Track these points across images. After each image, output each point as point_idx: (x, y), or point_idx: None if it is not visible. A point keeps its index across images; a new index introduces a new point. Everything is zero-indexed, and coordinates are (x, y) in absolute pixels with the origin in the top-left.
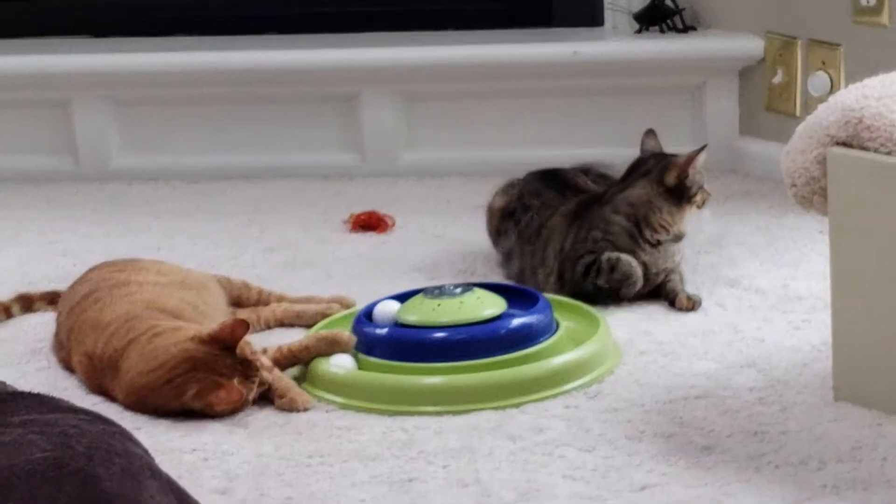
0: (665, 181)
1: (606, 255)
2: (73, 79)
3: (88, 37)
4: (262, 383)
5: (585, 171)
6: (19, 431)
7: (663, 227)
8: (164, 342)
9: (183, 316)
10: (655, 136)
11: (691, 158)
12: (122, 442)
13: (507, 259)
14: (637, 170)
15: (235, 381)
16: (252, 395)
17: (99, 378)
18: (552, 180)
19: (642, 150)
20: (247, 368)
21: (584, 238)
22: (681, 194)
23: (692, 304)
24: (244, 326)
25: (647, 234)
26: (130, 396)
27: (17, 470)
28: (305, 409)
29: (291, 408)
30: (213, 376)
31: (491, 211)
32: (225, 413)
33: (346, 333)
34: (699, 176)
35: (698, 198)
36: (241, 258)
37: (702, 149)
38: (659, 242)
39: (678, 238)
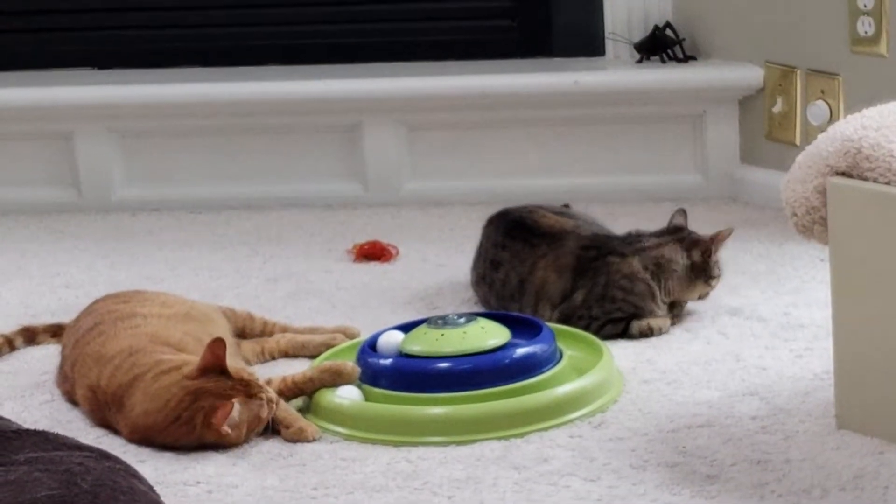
0: (690, 255)
1: (636, 325)
2: (75, 111)
3: (90, 69)
4: (271, 401)
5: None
6: (24, 469)
7: (670, 292)
8: (167, 382)
9: (187, 349)
10: (685, 215)
11: (716, 238)
12: (126, 479)
13: None
14: (674, 233)
15: (236, 401)
16: (265, 414)
17: (103, 411)
18: (513, 228)
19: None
20: (248, 387)
21: (600, 296)
22: (700, 272)
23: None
24: (220, 344)
25: (662, 295)
26: (136, 434)
27: None
28: (314, 439)
29: (301, 438)
30: (215, 401)
31: (473, 287)
32: (235, 437)
33: (350, 364)
34: (719, 259)
35: (714, 282)
36: (245, 288)
37: (729, 232)
38: (664, 304)
39: (676, 306)
